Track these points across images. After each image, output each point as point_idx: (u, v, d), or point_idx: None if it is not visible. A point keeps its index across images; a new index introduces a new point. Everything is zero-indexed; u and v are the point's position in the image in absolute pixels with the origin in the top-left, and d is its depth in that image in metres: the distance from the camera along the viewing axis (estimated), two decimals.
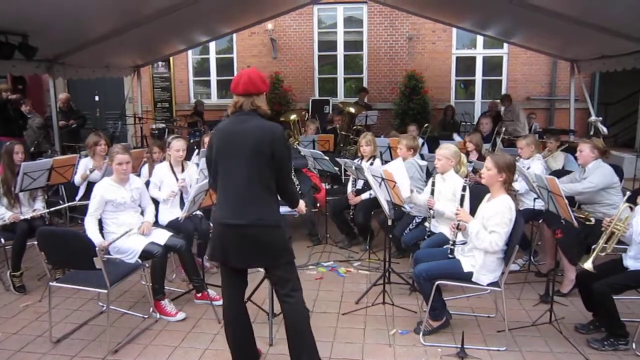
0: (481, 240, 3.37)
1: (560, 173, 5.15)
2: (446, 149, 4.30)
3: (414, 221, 4.67)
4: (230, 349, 3.04)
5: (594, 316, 3.68)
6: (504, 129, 7.28)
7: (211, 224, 3.29)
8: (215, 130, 2.98)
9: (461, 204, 3.61)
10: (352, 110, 8.95)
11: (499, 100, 9.69)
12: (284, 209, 3.08)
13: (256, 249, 2.82)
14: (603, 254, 3.45)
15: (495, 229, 3.35)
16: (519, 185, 4.74)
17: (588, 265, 3.39)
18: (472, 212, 3.65)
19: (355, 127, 8.62)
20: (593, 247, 3.46)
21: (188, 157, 4.89)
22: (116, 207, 4.01)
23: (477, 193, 3.87)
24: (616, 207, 4.20)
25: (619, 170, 5.06)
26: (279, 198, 2.95)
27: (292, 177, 3.09)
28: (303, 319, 2.95)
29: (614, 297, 3.32)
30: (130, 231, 3.93)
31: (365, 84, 11.68)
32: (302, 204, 3.28)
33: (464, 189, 3.63)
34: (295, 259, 2.99)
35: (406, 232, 4.65)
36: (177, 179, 4.68)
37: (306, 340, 2.93)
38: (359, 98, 10.59)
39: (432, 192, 4.28)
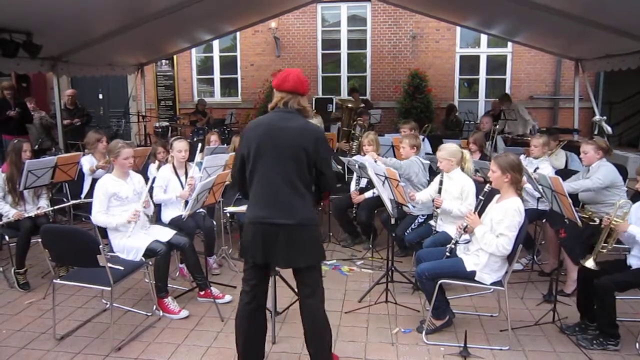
0: (488, 245, 3.37)
1: (564, 172, 5.14)
2: (443, 150, 4.29)
3: (417, 220, 4.67)
4: (240, 345, 2.97)
5: (582, 318, 3.66)
6: (497, 127, 7.22)
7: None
8: (255, 125, 2.84)
9: (476, 209, 3.59)
10: (350, 105, 8.93)
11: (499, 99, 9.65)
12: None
13: (302, 249, 2.80)
14: (605, 251, 3.44)
15: (504, 232, 3.34)
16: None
17: (590, 263, 3.39)
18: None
19: (355, 122, 8.58)
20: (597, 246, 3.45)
21: (191, 157, 4.88)
22: (120, 201, 4.01)
23: (479, 190, 3.88)
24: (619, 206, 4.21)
25: (623, 170, 5.04)
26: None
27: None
28: (322, 317, 2.94)
29: (616, 296, 3.30)
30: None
31: (368, 83, 11.67)
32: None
33: (483, 195, 3.58)
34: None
35: (409, 231, 4.65)
36: (180, 181, 4.69)
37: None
38: (353, 98, 10.57)
39: (440, 191, 4.28)
